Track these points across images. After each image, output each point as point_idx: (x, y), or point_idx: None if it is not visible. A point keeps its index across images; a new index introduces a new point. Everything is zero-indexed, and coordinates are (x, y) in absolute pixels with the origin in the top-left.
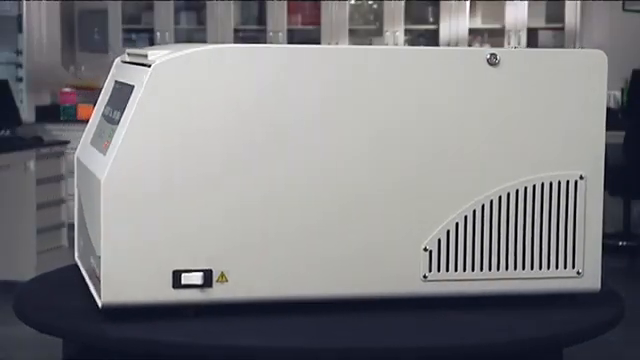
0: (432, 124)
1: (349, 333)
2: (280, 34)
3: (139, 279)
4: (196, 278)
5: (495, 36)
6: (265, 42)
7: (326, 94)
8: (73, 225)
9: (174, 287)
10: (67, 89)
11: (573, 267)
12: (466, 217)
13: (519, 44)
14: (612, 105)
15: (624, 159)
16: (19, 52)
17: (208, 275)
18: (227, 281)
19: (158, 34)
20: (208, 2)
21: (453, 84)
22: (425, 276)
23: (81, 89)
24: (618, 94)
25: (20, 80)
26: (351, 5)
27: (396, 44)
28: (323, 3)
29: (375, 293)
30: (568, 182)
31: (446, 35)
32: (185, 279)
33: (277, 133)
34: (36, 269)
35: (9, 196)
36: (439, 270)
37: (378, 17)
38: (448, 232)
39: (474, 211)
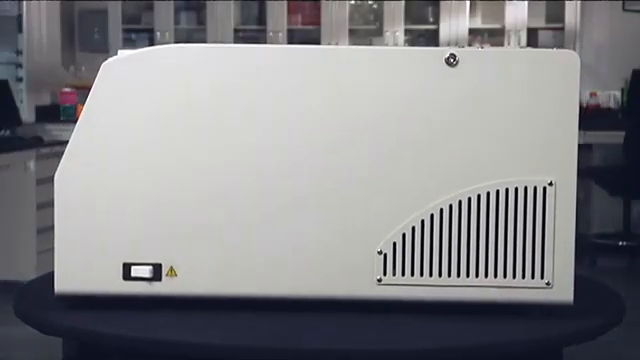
0: (389, 125)
1: (294, 333)
2: (280, 34)
3: (92, 270)
4: (145, 271)
5: (495, 36)
6: (265, 42)
7: (278, 93)
8: None
9: (124, 279)
10: (67, 89)
11: (542, 277)
12: (423, 221)
13: (519, 44)
14: (612, 105)
15: (624, 159)
16: (19, 52)
17: (157, 269)
18: (176, 275)
19: (158, 34)
20: (208, 2)
21: (410, 85)
22: (379, 280)
23: (81, 89)
24: (618, 94)
25: (20, 80)
26: (351, 5)
27: (396, 44)
28: (323, 3)
29: (328, 295)
30: (536, 188)
31: (446, 35)
32: (134, 271)
33: (227, 132)
34: (36, 269)
35: (9, 196)
36: (394, 274)
37: (378, 17)
38: (404, 235)
39: (432, 215)
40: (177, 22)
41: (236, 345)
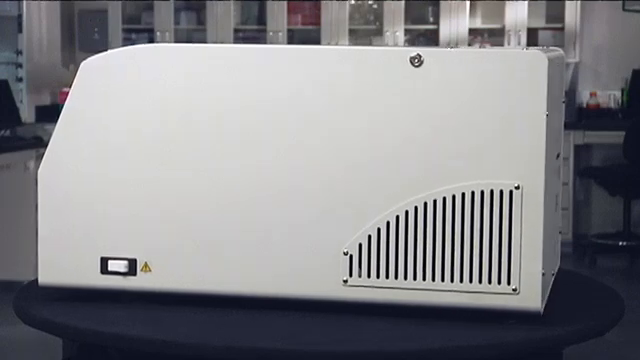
0: (355, 126)
1: (259, 332)
2: (280, 34)
3: (72, 263)
4: (121, 266)
5: (495, 36)
6: (265, 42)
7: (246, 93)
8: None
9: (102, 273)
10: (67, 89)
11: (509, 283)
12: (389, 223)
13: (519, 44)
14: (612, 105)
15: (624, 159)
16: (19, 52)
17: (132, 264)
18: (150, 271)
19: (158, 34)
20: (208, 2)
21: (374, 85)
22: (345, 280)
23: None
24: (618, 94)
25: (20, 80)
26: (351, 5)
27: (396, 44)
28: (323, 3)
29: (296, 294)
30: (502, 192)
31: (446, 35)
32: (111, 266)
33: (200, 131)
34: (36, 269)
35: (9, 196)
36: (360, 275)
37: (378, 17)
38: (370, 237)
39: (397, 217)
40: (177, 22)
41: (187, 343)
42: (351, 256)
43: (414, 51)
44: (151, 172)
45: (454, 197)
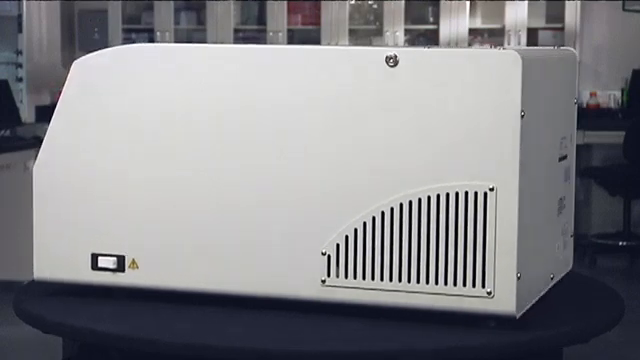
0: (331, 126)
1: (237, 331)
2: (280, 34)
3: (65, 259)
4: (110, 262)
5: (495, 36)
6: (265, 42)
7: (224, 95)
8: None
9: (92, 269)
10: None
11: (483, 286)
12: (365, 223)
13: (519, 44)
14: (612, 105)
15: (624, 159)
16: (19, 52)
17: (121, 260)
18: (137, 267)
19: (158, 34)
20: (208, 2)
21: (351, 85)
22: (324, 281)
23: None
24: (618, 94)
25: (20, 80)
26: (351, 5)
27: (396, 44)
28: (323, 3)
29: (275, 294)
30: (477, 193)
31: (446, 35)
32: (101, 262)
33: (186, 130)
34: None
35: (9, 196)
36: (337, 276)
37: (378, 17)
38: (347, 237)
39: (374, 218)
40: (177, 22)
41: (155, 339)
42: (329, 256)
43: (389, 51)
44: (139, 170)
45: (429, 198)
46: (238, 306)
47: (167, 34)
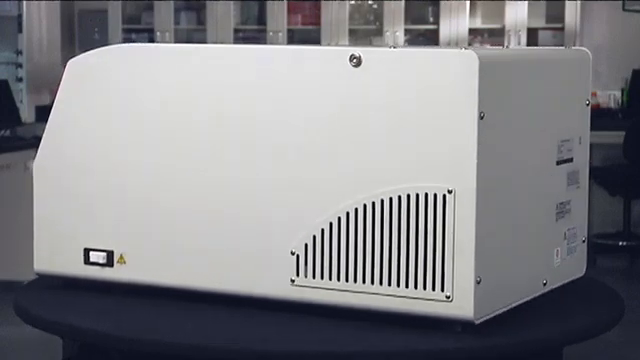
0: (297, 126)
1: (203, 328)
2: (280, 34)
3: (61, 253)
4: (100, 257)
5: (495, 36)
6: (265, 42)
7: (190, 94)
8: None
9: (84, 263)
10: None
11: (442, 290)
12: (331, 224)
13: (519, 44)
14: (612, 105)
15: (624, 159)
16: (19, 52)
17: (110, 255)
18: (125, 263)
19: (158, 34)
20: (208, 2)
21: (314, 85)
22: (293, 280)
23: None
24: (618, 94)
25: (20, 80)
26: (351, 5)
27: (396, 44)
28: (323, 3)
29: (247, 292)
30: (436, 196)
31: (446, 35)
32: (92, 257)
33: (169, 129)
34: None
35: (9, 196)
36: (306, 276)
37: (378, 17)
38: (314, 238)
39: (339, 218)
40: (177, 22)
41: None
42: (298, 256)
43: (353, 51)
44: (128, 167)
45: (391, 200)
46: (217, 303)
47: (167, 34)
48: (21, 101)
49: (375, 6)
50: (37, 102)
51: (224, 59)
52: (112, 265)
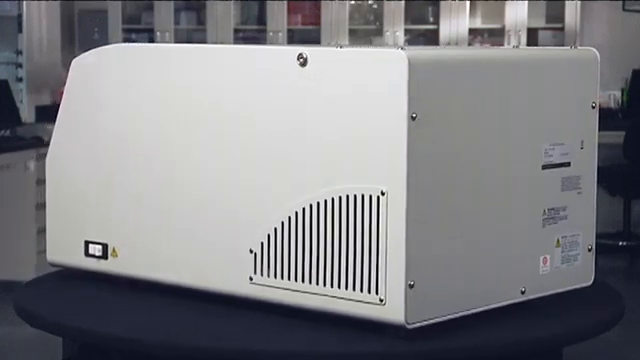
0: (249, 126)
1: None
2: (280, 34)
3: (68, 245)
4: (96, 249)
5: (495, 36)
6: (265, 42)
7: (165, 93)
8: None
9: (85, 255)
10: None
11: (377, 293)
12: (283, 223)
13: (519, 44)
14: (612, 105)
15: (624, 159)
16: (19, 52)
17: (105, 248)
18: (117, 256)
19: (158, 34)
20: (208, 2)
21: (263, 85)
22: (251, 278)
23: None
24: (618, 94)
25: (20, 80)
26: (351, 5)
27: (396, 44)
28: (323, 3)
29: (208, 287)
30: (371, 197)
31: (446, 35)
32: (91, 249)
33: (163, 130)
34: (36, 269)
35: (9, 196)
36: (262, 274)
37: (378, 17)
38: (269, 236)
39: (289, 218)
40: (177, 22)
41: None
42: (255, 254)
43: (302, 50)
44: (123, 162)
45: (333, 200)
46: (188, 298)
47: (167, 34)
48: (21, 101)
49: (375, 6)
50: (37, 102)
51: (176, 59)
52: (106, 257)
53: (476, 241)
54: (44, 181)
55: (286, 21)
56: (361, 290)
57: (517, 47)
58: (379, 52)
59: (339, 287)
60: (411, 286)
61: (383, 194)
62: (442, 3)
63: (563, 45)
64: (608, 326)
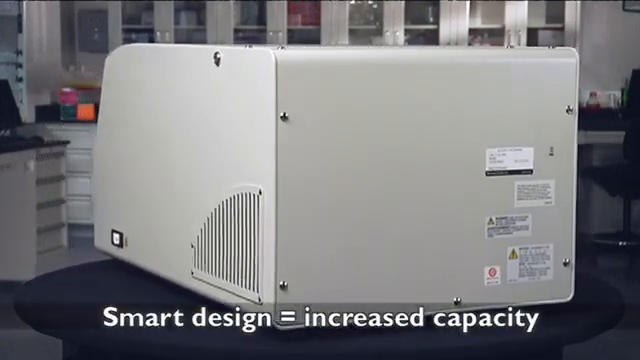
0: (181, 123)
1: None
2: (280, 34)
3: (106, 234)
4: (117, 238)
5: (495, 36)
6: (265, 42)
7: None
8: (73, 225)
9: (111, 243)
10: (67, 89)
11: (258, 292)
12: (208, 219)
13: (519, 44)
14: (612, 105)
15: (624, 159)
16: (19, 52)
17: (121, 237)
18: (127, 245)
19: (158, 34)
20: (208, 2)
21: (184, 83)
22: (192, 272)
23: (81, 89)
24: (618, 94)
25: (20, 80)
26: (351, 5)
27: (396, 44)
28: (323, 3)
29: (167, 277)
30: (253, 196)
31: (446, 35)
32: (114, 238)
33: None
34: (36, 269)
35: (9, 196)
36: (201, 269)
37: (378, 17)
38: (202, 231)
39: (211, 214)
40: (177, 22)
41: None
42: (195, 249)
43: (218, 49)
44: (142, 156)
45: (232, 199)
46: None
47: (167, 34)
48: (21, 101)
49: (375, 6)
50: (37, 102)
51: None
52: (122, 246)
53: (365, 245)
54: (44, 181)
55: (286, 21)
56: (247, 288)
57: (512, 47)
58: (252, 52)
59: (239, 284)
60: (282, 286)
61: (261, 193)
62: (442, 3)
63: (563, 45)
64: (608, 326)
